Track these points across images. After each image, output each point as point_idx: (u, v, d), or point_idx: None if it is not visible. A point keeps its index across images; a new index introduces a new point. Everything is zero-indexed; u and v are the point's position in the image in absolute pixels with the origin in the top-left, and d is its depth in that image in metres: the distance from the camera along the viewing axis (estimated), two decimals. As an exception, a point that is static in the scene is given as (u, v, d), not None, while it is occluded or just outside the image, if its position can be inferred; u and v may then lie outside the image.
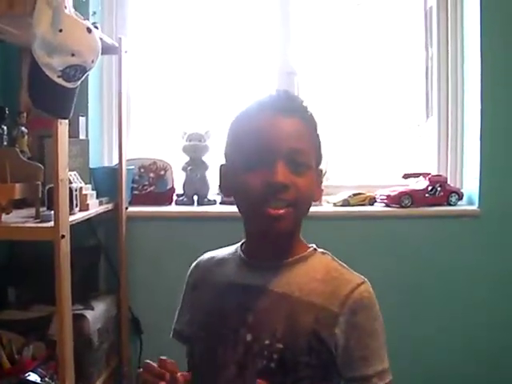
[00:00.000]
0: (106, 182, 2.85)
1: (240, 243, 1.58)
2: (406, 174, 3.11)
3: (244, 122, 1.47)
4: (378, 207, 3.05)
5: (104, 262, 2.96)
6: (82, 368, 2.38)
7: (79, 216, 2.32)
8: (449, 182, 3.15)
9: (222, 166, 1.52)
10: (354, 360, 1.37)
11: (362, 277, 1.49)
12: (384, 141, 3.39)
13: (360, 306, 1.40)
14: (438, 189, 3.05)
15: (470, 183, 3.12)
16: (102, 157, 3.16)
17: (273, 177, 1.37)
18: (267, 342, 1.39)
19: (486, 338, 3.01)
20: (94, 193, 2.62)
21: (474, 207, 3.03)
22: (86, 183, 2.55)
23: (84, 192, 2.45)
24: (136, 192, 3.07)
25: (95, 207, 2.57)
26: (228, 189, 1.52)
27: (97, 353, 2.61)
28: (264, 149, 1.38)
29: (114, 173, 2.86)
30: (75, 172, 2.46)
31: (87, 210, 2.44)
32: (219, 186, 1.57)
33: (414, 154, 3.40)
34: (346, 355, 1.36)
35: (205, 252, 1.71)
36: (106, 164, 3.16)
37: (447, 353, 2.99)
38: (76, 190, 2.31)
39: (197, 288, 1.60)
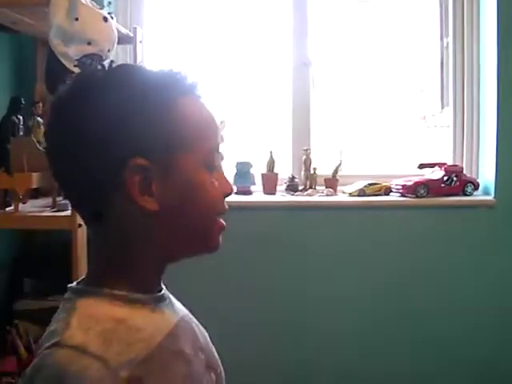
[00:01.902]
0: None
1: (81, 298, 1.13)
2: (421, 164, 3.09)
3: (196, 106, 1.16)
4: (394, 197, 3.04)
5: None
6: None
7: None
8: (465, 172, 3.12)
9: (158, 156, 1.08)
10: None
11: None
12: (399, 131, 3.37)
13: None
14: (454, 179, 3.03)
15: (486, 173, 3.10)
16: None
17: (228, 183, 1.18)
18: (219, 370, 1.28)
19: (498, 327, 3.01)
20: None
21: (490, 197, 3.01)
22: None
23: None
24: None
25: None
26: (170, 189, 1.09)
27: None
28: (218, 145, 1.18)
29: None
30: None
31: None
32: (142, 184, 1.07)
33: (430, 145, 3.38)
34: None
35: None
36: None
37: (466, 342, 2.99)
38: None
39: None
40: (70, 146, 1.06)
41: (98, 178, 1.05)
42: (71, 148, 1.06)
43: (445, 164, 3.08)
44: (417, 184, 2.98)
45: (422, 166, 3.09)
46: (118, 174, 1.04)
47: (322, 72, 3.25)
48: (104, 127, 1.03)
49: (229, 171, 3.06)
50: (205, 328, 1.31)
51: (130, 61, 2.99)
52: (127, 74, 1.10)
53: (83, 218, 1.16)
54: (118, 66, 1.13)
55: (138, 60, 2.78)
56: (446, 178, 3.03)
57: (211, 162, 1.13)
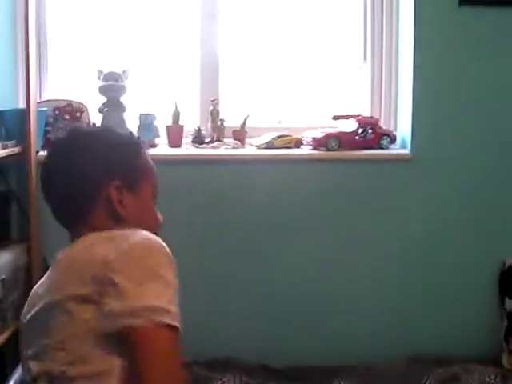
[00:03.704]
0: (15, 124, 2.67)
1: None
2: (335, 116, 2.96)
3: (147, 156, 1.62)
4: (304, 150, 2.91)
5: (15, 209, 2.80)
6: None
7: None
8: (381, 125, 3.00)
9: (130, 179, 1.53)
10: None
11: None
12: (319, 84, 3.21)
13: None
14: (369, 131, 2.91)
15: (402, 127, 2.99)
16: (15, 98, 2.97)
17: (160, 217, 1.62)
18: None
19: (420, 279, 2.96)
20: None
21: (406, 151, 2.90)
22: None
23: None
24: (50, 136, 2.89)
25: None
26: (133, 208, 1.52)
27: (1, 304, 2.46)
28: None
29: (23, 115, 2.69)
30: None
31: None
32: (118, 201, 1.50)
33: (349, 99, 3.23)
34: None
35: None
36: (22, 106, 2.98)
37: (383, 294, 2.95)
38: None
39: None
40: (71, 177, 1.48)
41: (91, 194, 1.48)
42: (71, 179, 1.49)
43: (359, 116, 2.95)
44: (328, 136, 2.85)
45: (336, 118, 2.96)
46: (103, 189, 1.47)
47: (234, 21, 3.08)
48: (96, 164, 1.48)
49: (132, 123, 2.93)
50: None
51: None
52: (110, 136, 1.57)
53: (71, 227, 1.51)
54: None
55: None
56: (360, 131, 2.90)
57: (155, 195, 1.60)
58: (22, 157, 2.66)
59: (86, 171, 1.47)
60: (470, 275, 2.98)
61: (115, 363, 1.25)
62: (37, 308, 1.38)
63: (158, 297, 1.26)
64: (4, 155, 2.50)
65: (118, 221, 1.47)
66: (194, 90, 3.04)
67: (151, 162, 1.61)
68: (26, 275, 2.73)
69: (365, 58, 3.12)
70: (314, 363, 2.79)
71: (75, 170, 1.47)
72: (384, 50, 3.07)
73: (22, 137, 2.66)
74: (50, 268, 1.49)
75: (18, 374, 1.77)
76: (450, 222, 2.95)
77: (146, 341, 1.22)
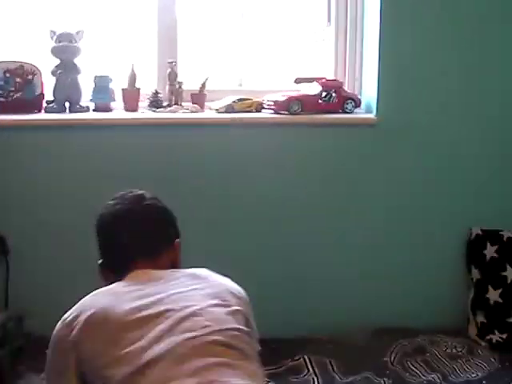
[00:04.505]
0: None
1: None
2: (298, 79, 2.85)
3: None
4: (265, 114, 2.81)
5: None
6: None
7: None
8: (346, 89, 2.90)
9: None
10: None
11: None
12: (281, 46, 3.10)
13: None
14: (333, 95, 2.81)
15: (367, 91, 2.90)
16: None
17: None
18: None
19: (384, 249, 2.91)
20: None
21: (372, 115, 2.82)
22: None
23: None
24: (1, 99, 2.77)
25: None
26: None
27: None
28: None
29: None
30: None
31: None
32: None
33: (312, 62, 3.12)
34: None
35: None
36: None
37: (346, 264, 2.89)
38: None
39: None
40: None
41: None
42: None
43: (323, 79, 2.85)
44: (290, 99, 2.75)
45: (298, 81, 2.86)
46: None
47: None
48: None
49: (86, 86, 2.81)
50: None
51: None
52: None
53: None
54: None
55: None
56: (324, 94, 2.81)
57: None
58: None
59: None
60: (437, 245, 2.94)
61: None
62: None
63: None
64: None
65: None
66: (152, 51, 2.92)
67: None
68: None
69: (329, 21, 3.02)
70: (278, 335, 2.70)
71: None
72: (349, 12, 2.97)
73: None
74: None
75: None
76: (413, 189, 2.89)
77: None
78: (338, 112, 2.82)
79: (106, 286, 1.73)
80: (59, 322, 1.58)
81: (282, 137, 2.76)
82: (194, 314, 1.54)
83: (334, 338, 2.76)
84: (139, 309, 1.54)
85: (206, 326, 1.51)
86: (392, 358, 2.64)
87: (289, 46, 3.10)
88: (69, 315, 1.57)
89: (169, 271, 1.73)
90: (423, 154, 2.87)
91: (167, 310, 1.54)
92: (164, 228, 1.83)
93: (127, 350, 1.46)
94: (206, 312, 1.57)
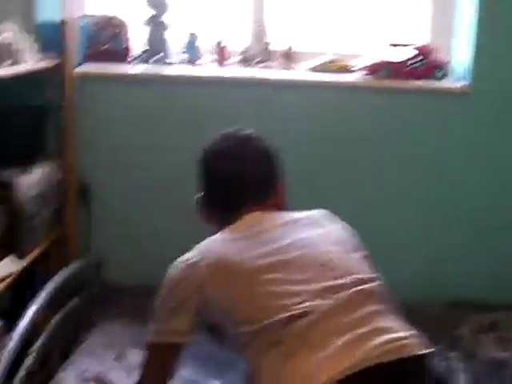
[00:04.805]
0: (54, 37, 2.58)
1: None
2: (391, 44, 2.79)
3: None
4: (355, 76, 2.76)
5: (52, 125, 2.72)
6: (12, 237, 2.27)
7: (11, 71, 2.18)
8: (438, 55, 2.81)
9: None
10: None
11: None
12: (374, 9, 3.01)
13: None
14: (424, 61, 2.74)
15: (460, 58, 2.80)
16: (56, 11, 2.84)
17: None
18: None
19: (467, 220, 2.83)
20: (35, 47, 2.41)
21: (463, 84, 2.73)
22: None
23: (21, 46, 2.27)
24: (90, 50, 2.81)
25: (35, 62, 2.38)
26: None
27: (32, 221, 2.40)
28: None
29: (62, 28, 2.60)
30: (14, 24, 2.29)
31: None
32: None
33: (405, 27, 3.02)
34: None
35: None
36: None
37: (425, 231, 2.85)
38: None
39: None
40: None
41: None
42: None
43: (415, 44, 2.78)
44: (380, 64, 2.70)
45: (391, 46, 2.79)
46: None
47: None
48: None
49: (177, 43, 2.85)
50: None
51: None
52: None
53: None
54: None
55: None
56: (415, 60, 2.74)
57: None
58: (60, 71, 2.60)
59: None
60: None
61: None
62: None
63: None
64: (41, 68, 2.44)
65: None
66: (244, 10, 2.89)
67: None
68: (59, 192, 2.68)
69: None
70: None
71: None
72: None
73: (61, 50, 2.58)
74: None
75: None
76: (505, 159, 2.79)
77: None
78: (428, 78, 2.75)
79: (207, 223, 1.75)
80: (179, 262, 1.58)
81: (372, 101, 2.72)
82: (329, 261, 1.53)
83: (406, 310, 2.74)
84: (270, 254, 1.52)
85: (349, 275, 1.50)
86: (465, 332, 2.60)
87: (380, 9, 3.00)
88: (191, 257, 1.56)
89: (287, 214, 1.69)
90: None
91: (301, 255, 1.53)
92: (272, 169, 1.77)
93: (268, 298, 1.45)
94: (342, 259, 1.56)
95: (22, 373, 1.90)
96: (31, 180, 2.39)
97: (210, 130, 1.82)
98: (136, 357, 2.10)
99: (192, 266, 1.54)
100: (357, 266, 1.57)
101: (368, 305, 1.46)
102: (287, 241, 1.57)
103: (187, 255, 1.58)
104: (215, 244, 1.60)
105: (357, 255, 1.62)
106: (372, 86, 2.71)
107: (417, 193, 2.82)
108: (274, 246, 1.55)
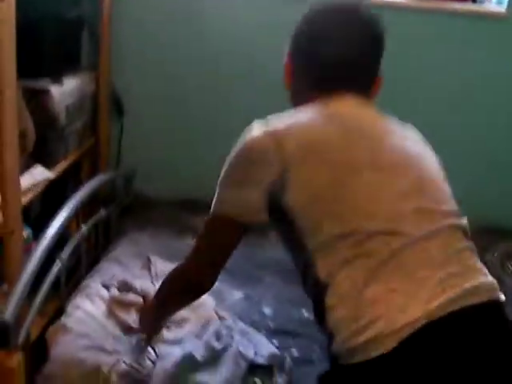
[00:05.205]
0: None
1: None
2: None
3: None
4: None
5: (87, 36, 2.71)
6: (44, 145, 2.27)
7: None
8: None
9: None
10: None
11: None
12: None
13: None
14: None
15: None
16: None
17: None
18: None
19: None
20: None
21: (502, 8, 2.66)
22: None
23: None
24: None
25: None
26: None
27: (64, 131, 2.41)
28: None
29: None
30: None
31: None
32: None
33: None
34: None
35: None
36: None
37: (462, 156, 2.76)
38: None
39: None
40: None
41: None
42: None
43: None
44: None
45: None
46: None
47: None
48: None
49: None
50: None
51: None
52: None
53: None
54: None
55: None
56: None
57: None
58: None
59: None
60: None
61: None
62: None
63: None
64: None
65: None
66: None
67: None
68: (92, 104, 2.70)
69: None
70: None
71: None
72: None
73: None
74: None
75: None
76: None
77: None
78: (467, 1, 2.70)
79: (289, 86, 1.52)
80: (263, 128, 1.33)
81: (410, 23, 2.64)
82: (432, 182, 1.38)
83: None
84: (373, 150, 1.34)
85: (445, 203, 1.37)
86: (491, 257, 2.60)
87: None
88: (278, 128, 1.33)
89: (385, 115, 1.45)
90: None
91: (405, 165, 1.36)
92: (378, 55, 1.49)
93: (367, 199, 1.28)
94: (442, 185, 1.42)
95: (48, 280, 1.90)
96: (65, 90, 2.38)
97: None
98: (162, 267, 2.16)
99: (274, 138, 1.31)
100: (450, 197, 1.40)
101: (463, 240, 1.34)
102: (392, 143, 1.38)
103: (274, 122, 1.35)
104: (307, 121, 1.37)
105: (447, 187, 1.43)
106: (411, 6, 2.66)
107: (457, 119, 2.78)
108: (378, 144, 1.36)
